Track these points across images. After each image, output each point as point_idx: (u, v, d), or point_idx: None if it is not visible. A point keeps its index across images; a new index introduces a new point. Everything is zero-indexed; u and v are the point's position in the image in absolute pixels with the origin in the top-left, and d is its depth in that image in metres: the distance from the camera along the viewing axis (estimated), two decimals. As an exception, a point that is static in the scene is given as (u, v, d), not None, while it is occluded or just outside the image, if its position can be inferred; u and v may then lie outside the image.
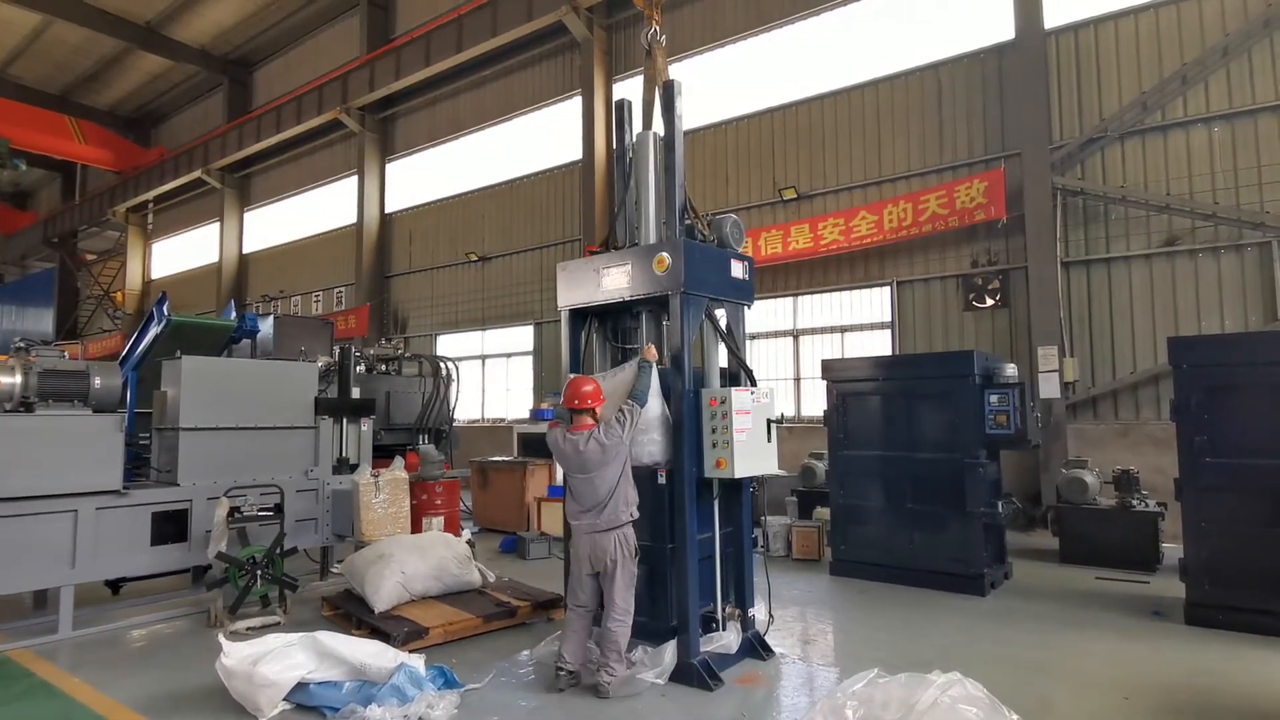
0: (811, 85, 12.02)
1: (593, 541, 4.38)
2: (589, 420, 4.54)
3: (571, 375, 4.97)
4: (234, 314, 11.21)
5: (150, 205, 26.45)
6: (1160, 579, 6.85)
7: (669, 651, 4.52)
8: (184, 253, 26.13)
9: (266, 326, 10.24)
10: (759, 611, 5.20)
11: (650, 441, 4.75)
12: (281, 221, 22.29)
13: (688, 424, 4.66)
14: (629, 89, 13.42)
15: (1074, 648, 5.14)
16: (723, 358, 5.18)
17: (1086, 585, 6.80)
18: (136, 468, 7.36)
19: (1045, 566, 7.58)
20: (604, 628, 4.39)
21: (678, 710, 4.16)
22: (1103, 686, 4.45)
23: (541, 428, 10.76)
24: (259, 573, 5.87)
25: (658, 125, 5.39)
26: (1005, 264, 10.12)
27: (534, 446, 10.73)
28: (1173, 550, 6.91)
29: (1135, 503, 7.46)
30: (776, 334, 12.19)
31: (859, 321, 11.44)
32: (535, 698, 4.33)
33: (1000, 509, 6.68)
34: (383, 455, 8.27)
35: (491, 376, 16.68)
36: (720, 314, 5.15)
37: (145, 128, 28.11)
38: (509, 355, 16.25)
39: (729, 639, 4.79)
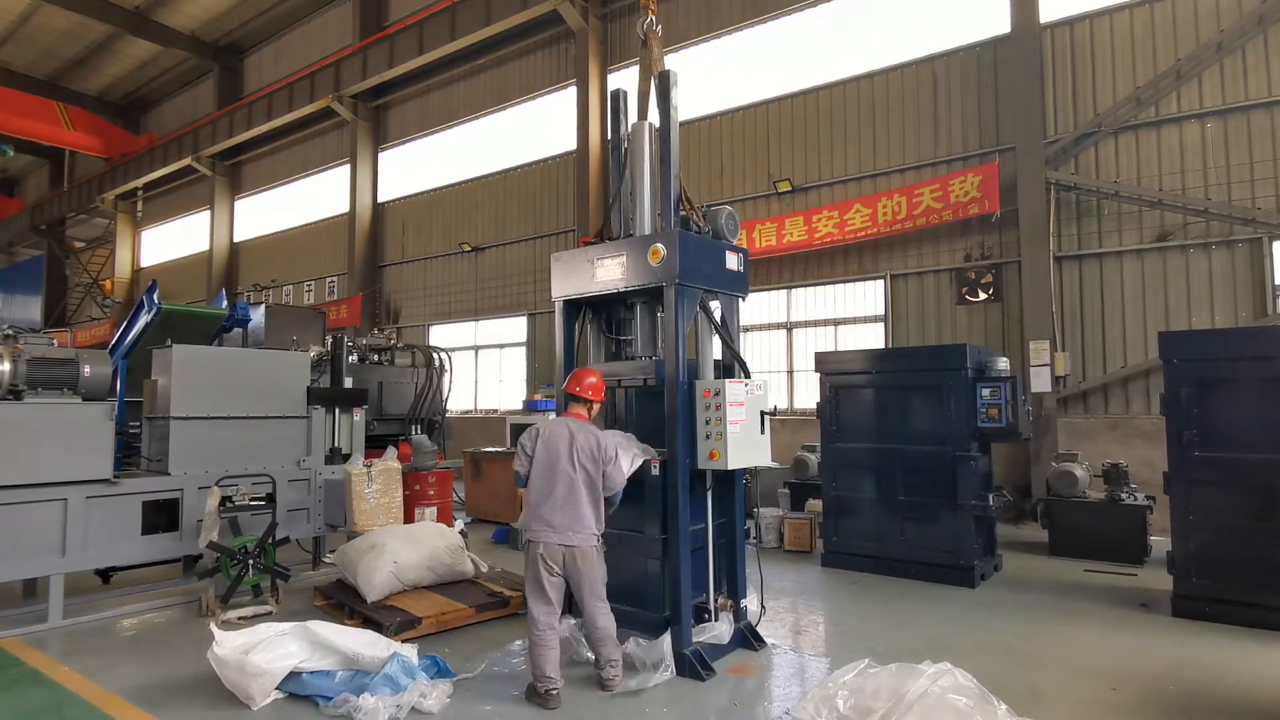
0: (807, 77, 12.00)
1: (570, 550, 4.25)
2: (584, 412, 4.53)
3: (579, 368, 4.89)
4: (225, 303, 11.16)
5: (139, 192, 26.22)
6: (1148, 571, 6.92)
7: (665, 645, 4.48)
8: (174, 241, 25.91)
9: (258, 316, 10.18)
10: (751, 602, 5.23)
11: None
12: (273, 210, 22.13)
13: (681, 415, 4.66)
14: (624, 79, 13.36)
15: (1062, 639, 5.18)
16: (717, 349, 5.18)
17: (1075, 577, 6.86)
18: (127, 456, 7.33)
19: (1035, 558, 7.64)
20: (594, 626, 4.31)
21: (670, 700, 4.18)
22: (1090, 677, 4.49)
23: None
24: (251, 562, 5.85)
25: (653, 116, 5.36)
26: (998, 258, 10.16)
27: (527, 438, 10.70)
28: (1160, 543, 6.96)
29: (1124, 496, 7.52)
30: (770, 326, 12.20)
31: (852, 314, 11.46)
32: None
33: (991, 501, 6.72)
34: (375, 445, 8.24)
35: (485, 367, 16.65)
36: (715, 306, 5.15)
37: (135, 114, 27.82)
38: (502, 346, 16.22)
39: (721, 629, 4.80)
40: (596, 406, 4.65)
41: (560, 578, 4.29)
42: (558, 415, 4.67)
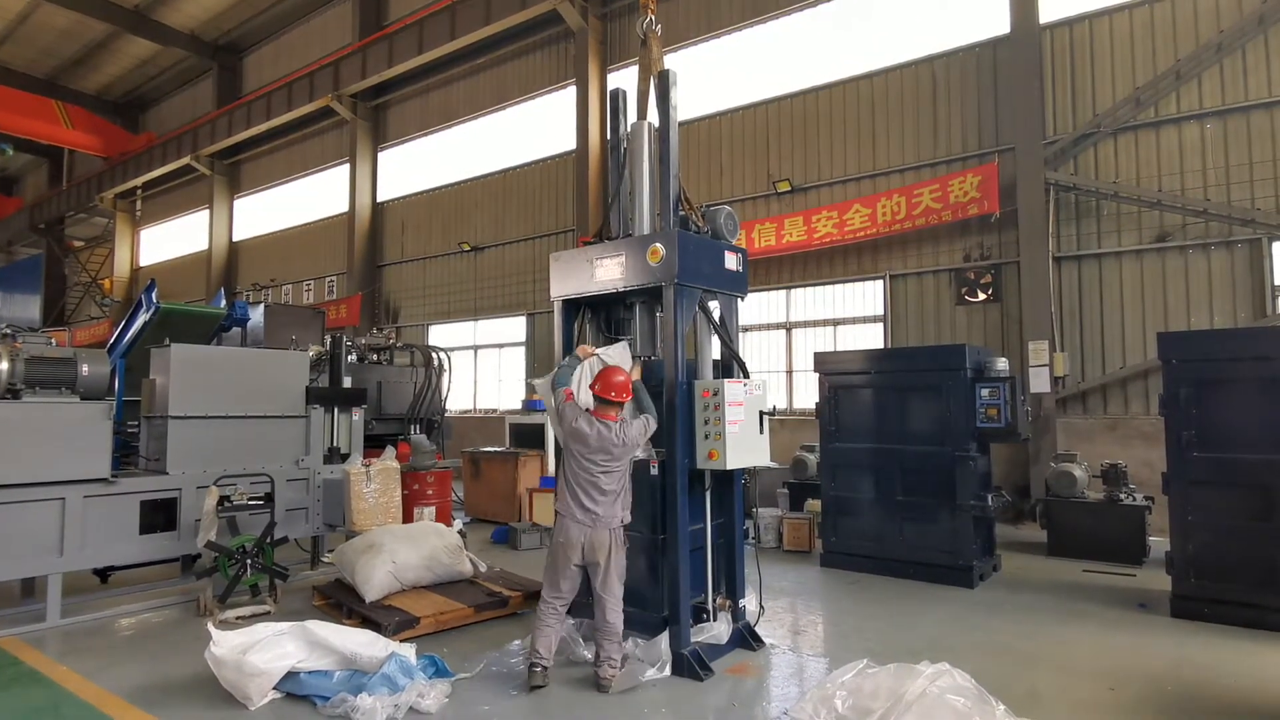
0: (806, 77, 12.00)
1: (589, 535, 4.31)
2: (614, 413, 4.43)
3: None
4: (224, 302, 11.16)
5: (138, 192, 26.19)
6: (1146, 572, 6.92)
7: (664, 644, 4.51)
8: (173, 240, 25.89)
9: (257, 315, 10.17)
10: (749, 602, 5.23)
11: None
12: (272, 209, 22.12)
13: (680, 415, 4.66)
14: (624, 79, 13.35)
15: (1061, 639, 5.18)
16: (716, 349, 5.18)
17: (1074, 578, 6.86)
18: (125, 456, 7.32)
19: (1033, 559, 7.64)
20: (603, 620, 4.33)
21: (669, 700, 4.18)
22: (1089, 677, 4.49)
23: (534, 419, 10.75)
24: (249, 562, 5.85)
25: (652, 116, 5.36)
26: (997, 258, 10.16)
27: (526, 437, 10.71)
28: (1159, 544, 6.98)
29: (1123, 496, 7.52)
30: (769, 326, 12.20)
31: (852, 315, 11.46)
32: (525, 687, 4.33)
33: (990, 502, 6.72)
34: (374, 445, 8.24)
35: (484, 367, 16.64)
36: (714, 306, 5.15)
37: (134, 113, 27.79)
38: (501, 346, 16.22)
39: (720, 629, 4.80)
40: (628, 405, 4.59)
41: (579, 568, 4.36)
42: (580, 410, 4.53)
